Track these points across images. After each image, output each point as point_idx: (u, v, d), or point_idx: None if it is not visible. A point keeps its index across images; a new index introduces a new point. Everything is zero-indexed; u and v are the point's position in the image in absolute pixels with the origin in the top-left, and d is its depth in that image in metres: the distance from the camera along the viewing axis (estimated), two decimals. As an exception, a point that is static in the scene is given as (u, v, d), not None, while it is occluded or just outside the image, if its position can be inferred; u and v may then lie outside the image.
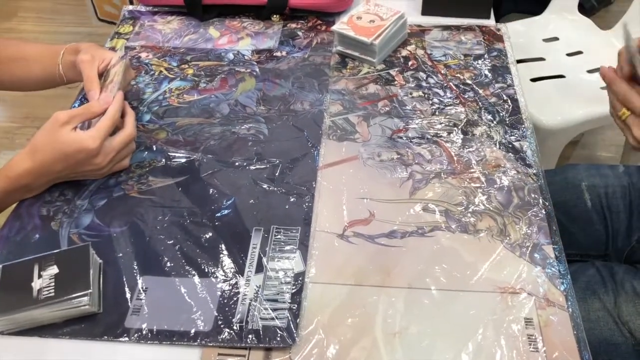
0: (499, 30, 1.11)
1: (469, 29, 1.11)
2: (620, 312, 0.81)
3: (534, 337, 0.64)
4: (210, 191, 0.81)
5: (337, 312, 0.67)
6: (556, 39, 1.59)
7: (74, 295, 0.64)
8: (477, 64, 1.02)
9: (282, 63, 1.03)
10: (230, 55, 1.05)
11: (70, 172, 0.77)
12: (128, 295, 0.69)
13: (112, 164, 0.79)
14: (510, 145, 0.87)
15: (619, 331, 0.80)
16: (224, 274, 0.71)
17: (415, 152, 0.86)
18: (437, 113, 0.92)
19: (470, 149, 0.86)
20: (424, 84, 0.98)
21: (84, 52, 0.86)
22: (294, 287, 0.69)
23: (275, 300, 0.68)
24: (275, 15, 1.14)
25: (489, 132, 0.89)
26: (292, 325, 0.65)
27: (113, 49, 1.07)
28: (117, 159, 0.80)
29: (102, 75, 0.86)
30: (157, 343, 0.64)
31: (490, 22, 1.13)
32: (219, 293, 0.69)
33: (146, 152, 0.86)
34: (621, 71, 0.75)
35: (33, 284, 0.65)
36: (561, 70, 1.48)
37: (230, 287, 0.69)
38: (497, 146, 0.87)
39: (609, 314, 0.81)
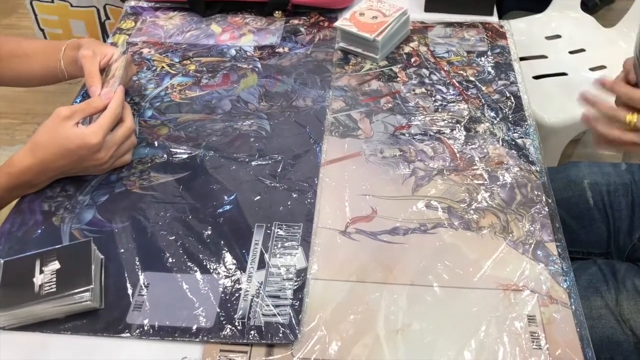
0: (502, 27, 1.10)
1: (472, 25, 1.11)
2: (621, 310, 0.81)
3: (536, 335, 0.64)
4: (212, 187, 0.80)
5: (339, 309, 0.67)
6: (558, 36, 1.59)
7: (75, 291, 0.64)
8: (480, 60, 1.02)
9: (284, 59, 1.03)
10: (233, 52, 1.05)
11: (72, 168, 0.77)
12: (130, 291, 0.68)
13: (113, 158, 0.79)
14: (513, 143, 0.86)
15: (621, 329, 0.80)
16: (225, 270, 0.71)
17: (417, 148, 0.86)
18: (439, 110, 0.92)
19: (473, 146, 0.86)
20: (426, 80, 0.98)
21: (86, 47, 0.86)
22: (296, 284, 0.69)
23: (277, 297, 0.68)
24: (277, 12, 1.14)
25: (491, 129, 0.89)
26: (294, 322, 0.65)
27: (114, 44, 1.07)
28: (118, 153, 0.79)
29: (104, 70, 0.85)
30: (159, 339, 0.64)
31: (494, 19, 1.13)
32: (221, 289, 0.68)
33: (148, 148, 0.86)
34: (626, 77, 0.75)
35: (35, 279, 0.65)
36: (563, 68, 1.48)
37: (232, 283, 0.69)
38: (500, 143, 0.86)
39: (611, 312, 0.81)
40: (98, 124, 0.75)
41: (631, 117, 0.72)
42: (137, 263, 0.71)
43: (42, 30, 1.95)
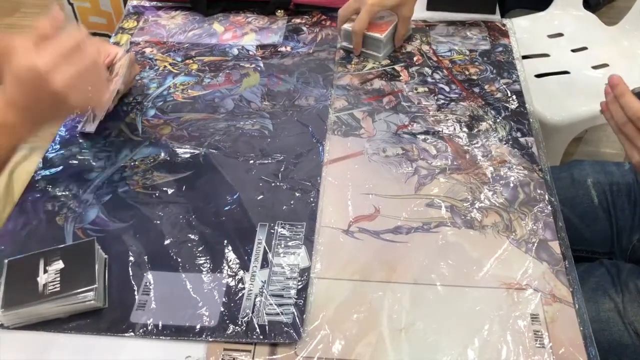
0: (504, 25, 1.10)
1: (475, 24, 1.11)
2: (626, 312, 0.80)
3: (540, 333, 0.64)
4: (215, 187, 0.81)
5: (342, 308, 0.67)
6: (561, 34, 1.58)
7: (79, 290, 0.64)
8: (483, 59, 1.02)
9: (286, 58, 1.03)
10: (235, 51, 1.05)
11: (36, 99, 0.68)
12: (133, 290, 0.68)
13: (63, 73, 0.68)
14: (516, 141, 0.86)
15: (627, 332, 0.79)
16: (229, 269, 0.71)
17: (420, 147, 0.86)
18: (442, 108, 0.92)
19: (476, 145, 0.86)
20: (429, 79, 0.98)
21: (89, 46, 0.86)
22: (299, 283, 0.69)
23: (281, 296, 0.68)
24: (279, 10, 1.14)
25: (494, 128, 0.89)
26: (297, 321, 0.65)
27: (117, 44, 1.07)
28: (68, 69, 0.67)
29: (107, 69, 0.86)
30: (163, 338, 0.64)
31: (496, 17, 1.12)
32: (225, 288, 0.69)
33: (151, 148, 0.86)
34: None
35: (39, 278, 0.65)
36: (566, 67, 1.48)
37: (236, 282, 0.69)
38: (503, 142, 0.86)
39: (619, 315, 0.80)
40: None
41: None
42: (141, 262, 0.71)
43: (71, 4, 2.01)
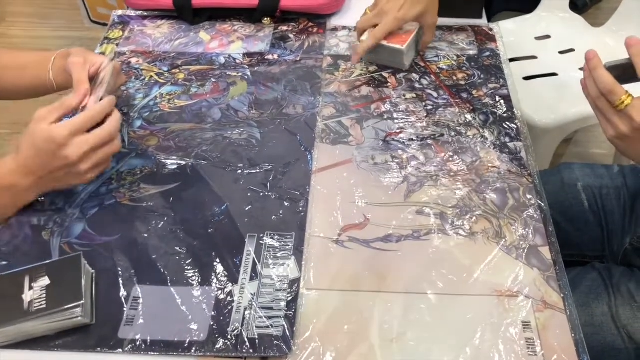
0: (491, 30, 1.10)
1: (461, 29, 1.11)
2: (619, 315, 0.80)
3: (532, 341, 0.64)
4: (203, 198, 0.80)
5: (333, 319, 0.67)
6: (548, 37, 1.59)
7: (66, 307, 0.63)
8: (470, 64, 1.02)
9: (273, 66, 1.02)
10: (222, 59, 1.04)
11: (50, 172, 0.73)
12: (121, 306, 0.68)
13: (90, 162, 0.74)
14: (505, 146, 0.86)
15: (620, 335, 0.79)
16: (218, 282, 0.70)
17: (409, 154, 0.85)
18: (430, 115, 0.92)
19: (465, 151, 0.86)
20: (417, 85, 0.98)
21: (75, 55, 0.85)
22: (289, 294, 0.68)
23: (271, 308, 0.67)
24: (266, 18, 1.13)
25: (483, 133, 0.88)
26: (287, 334, 0.64)
27: (103, 54, 1.06)
28: (95, 158, 0.74)
29: (92, 79, 0.85)
30: (152, 354, 0.64)
31: (482, 22, 1.12)
32: (214, 302, 0.68)
33: (137, 159, 0.85)
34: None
35: (24, 295, 0.64)
36: (553, 69, 1.48)
37: (225, 295, 0.68)
38: (492, 147, 0.86)
39: (612, 319, 0.80)
40: (67, 121, 0.72)
41: (626, 97, 0.71)
42: (128, 276, 0.71)
43: None
